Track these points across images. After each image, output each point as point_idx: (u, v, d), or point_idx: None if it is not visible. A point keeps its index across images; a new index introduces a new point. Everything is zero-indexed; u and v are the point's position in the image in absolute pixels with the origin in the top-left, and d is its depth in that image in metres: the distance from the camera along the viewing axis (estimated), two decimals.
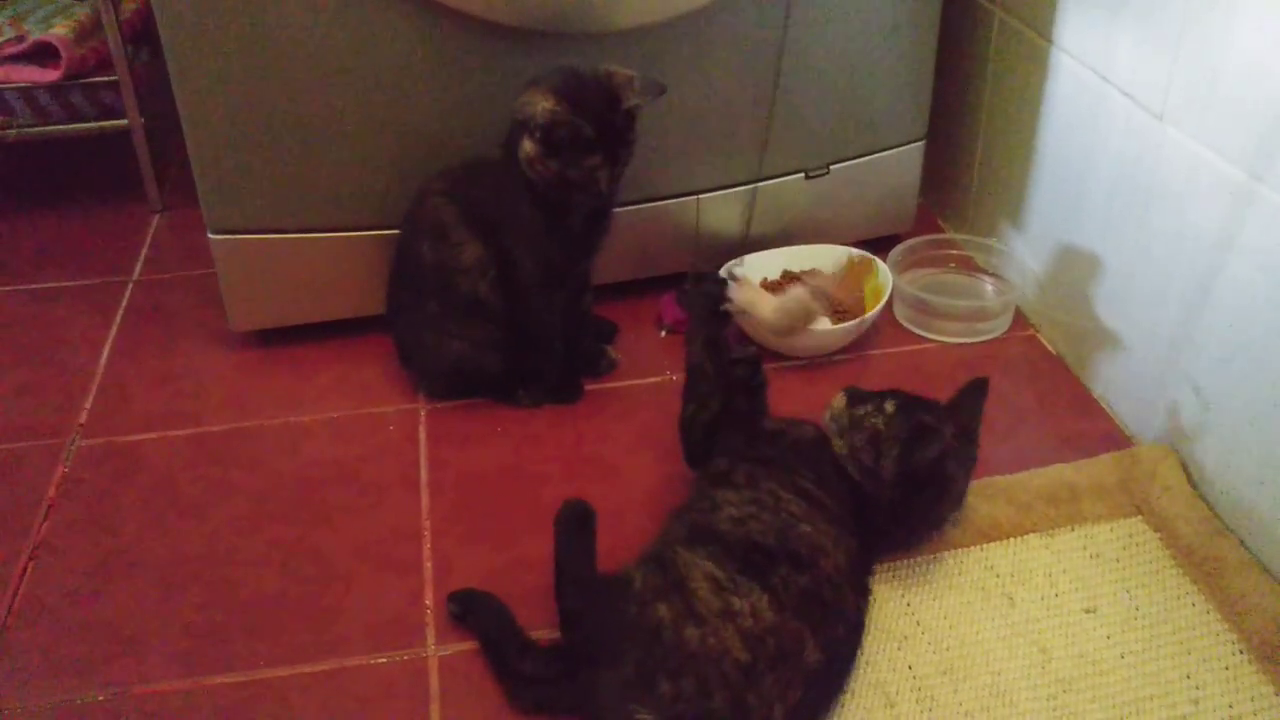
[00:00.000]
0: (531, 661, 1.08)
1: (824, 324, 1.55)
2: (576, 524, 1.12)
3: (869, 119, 1.63)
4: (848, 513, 1.12)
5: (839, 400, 1.18)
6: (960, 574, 1.20)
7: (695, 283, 1.28)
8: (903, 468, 1.11)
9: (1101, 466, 1.31)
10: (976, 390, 1.22)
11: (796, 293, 1.20)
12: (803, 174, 1.64)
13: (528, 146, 1.29)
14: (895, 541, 1.20)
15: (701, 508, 1.12)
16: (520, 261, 1.37)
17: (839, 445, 1.15)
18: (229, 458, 1.40)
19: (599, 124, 1.27)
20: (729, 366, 1.22)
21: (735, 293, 1.22)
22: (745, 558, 1.03)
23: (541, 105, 1.25)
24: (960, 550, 1.23)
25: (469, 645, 1.14)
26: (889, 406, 1.14)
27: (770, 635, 0.98)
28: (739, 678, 0.95)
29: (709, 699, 0.95)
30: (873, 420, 1.13)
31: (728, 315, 1.25)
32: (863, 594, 1.10)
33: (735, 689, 0.95)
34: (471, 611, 1.15)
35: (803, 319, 1.20)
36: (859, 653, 1.09)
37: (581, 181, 1.30)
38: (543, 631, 1.13)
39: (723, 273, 1.24)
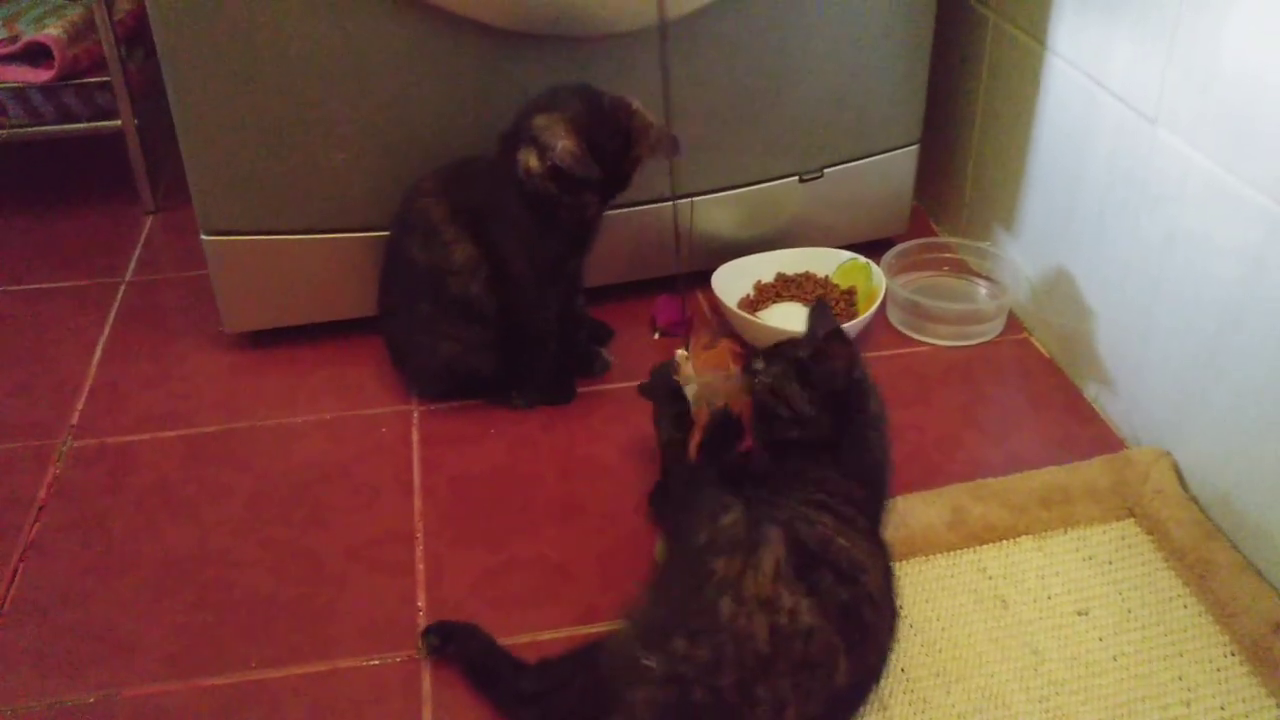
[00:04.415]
0: (527, 678, 1.05)
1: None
2: (666, 395, 1.14)
3: (863, 122, 1.63)
4: (857, 509, 1.05)
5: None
6: (953, 576, 1.20)
7: (652, 376, 1.28)
8: (818, 386, 1.08)
9: (1094, 469, 1.31)
10: (820, 310, 1.20)
11: (706, 379, 1.21)
12: (796, 177, 1.64)
13: (532, 161, 1.29)
14: (870, 470, 1.11)
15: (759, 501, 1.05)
16: (511, 260, 1.37)
17: (761, 431, 1.12)
18: (221, 459, 1.40)
19: (606, 166, 1.29)
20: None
21: (677, 372, 1.23)
22: (800, 556, 0.98)
23: (563, 144, 1.26)
24: (953, 553, 1.23)
25: None
26: (757, 364, 1.12)
27: (800, 640, 0.93)
28: (754, 666, 0.92)
29: (717, 675, 0.92)
30: (761, 384, 1.11)
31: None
32: (895, 614, 1.04)
33: (747, 676, 0.92)
34: (453, 640, 1.12)
35: (720, 395, 1.20)
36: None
37: (573, 207, 1.33)
38: (541, 634, 1.13)
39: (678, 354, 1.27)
